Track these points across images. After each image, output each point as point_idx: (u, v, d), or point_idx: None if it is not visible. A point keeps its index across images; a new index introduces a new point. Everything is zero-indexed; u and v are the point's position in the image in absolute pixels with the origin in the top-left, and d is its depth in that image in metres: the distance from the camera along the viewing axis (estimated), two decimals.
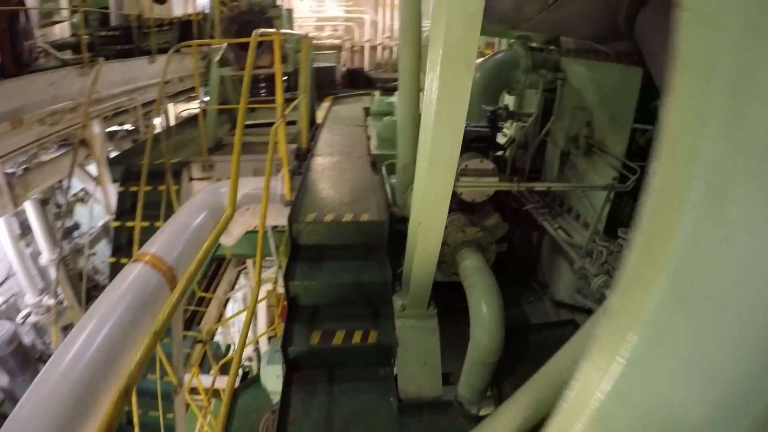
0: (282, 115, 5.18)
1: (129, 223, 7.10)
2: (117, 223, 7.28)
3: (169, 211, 6.92)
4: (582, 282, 4.56)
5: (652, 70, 3.37)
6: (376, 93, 11.01)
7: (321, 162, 7.16)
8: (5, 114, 6.71)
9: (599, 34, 4.36)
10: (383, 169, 6.49)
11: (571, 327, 5.01)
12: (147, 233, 6.45)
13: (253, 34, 4.89)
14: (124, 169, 7.67)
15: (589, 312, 4.84)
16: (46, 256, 10.87)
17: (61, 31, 12.34)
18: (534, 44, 6.17)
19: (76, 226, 13.41)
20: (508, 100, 6.91)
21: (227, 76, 8.83)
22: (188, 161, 8.00)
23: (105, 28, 13.18)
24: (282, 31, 5.71)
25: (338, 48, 20.07)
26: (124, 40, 12.07)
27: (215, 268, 15.97)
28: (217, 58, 8.25)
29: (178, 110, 17.08)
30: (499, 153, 6.02)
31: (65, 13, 12.29)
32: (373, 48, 20.38)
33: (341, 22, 20.30)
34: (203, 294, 13.05)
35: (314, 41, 20.15)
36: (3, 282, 11.52)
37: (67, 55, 12.00)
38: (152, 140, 6.89)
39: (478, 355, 3.69)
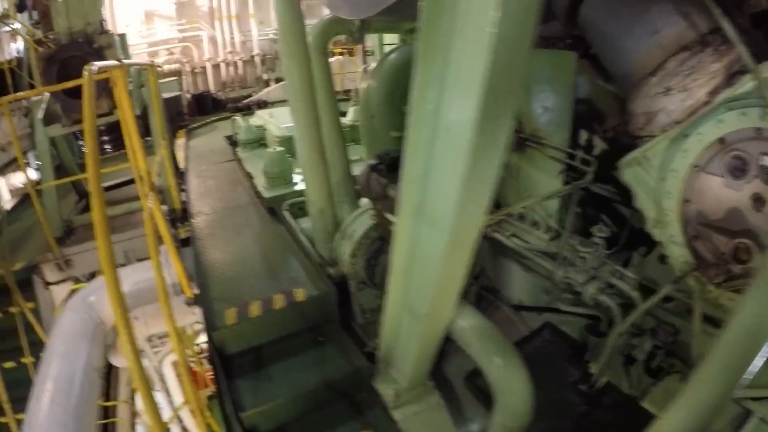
0: (148, 179, 3.93)
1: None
2: None
3: (32, 338, 5.67)
4: (547, 282, 4.17)
5: (602, 54, 3.29)
6: (237, 117, 9.87)
7: (205, 223, 6.02)
8: None
9: None
10: (286, 215, 5.55)
11: (548, 331, 4.42)
12: (15, 383, 5.66)
13: (85, 71, 3.39)
14: None
15: (557, 311, 4.38)
16: None
17: None
18: None
19: None
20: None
21: (59, 137, 7.31)
22: (37, 263, 6.40)
23: None
24: (123, 61, 4.45)
25: (178, 73, 18.49)
26: None
27: None
28: (41, 114, 6.65)
29: (11, 182, 15.01)
30: None
31: None
32: (216, 67, 18.88)
33: (176, 43, 18.67)
34: None
35: None
36: None
37: None
38: None
39: (513, 422, 3.08)
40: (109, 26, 18.68)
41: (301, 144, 4.29)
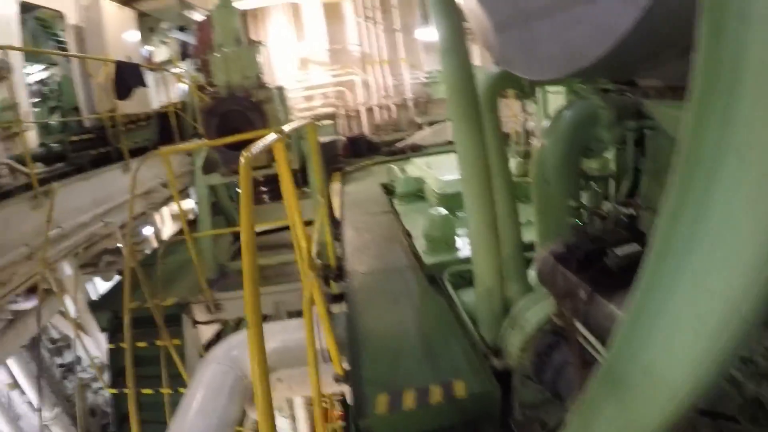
0: (308, 258, 3.59)
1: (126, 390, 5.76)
2: (114, 391, 6.06)
3: (173, 371, 5.75)
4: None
5: None
6: (393, 166, 9.59)
7: (361, 284, 5.74)
8: None
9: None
10: (448, 286, 5.05)
11: None
12: (149, 406, 5.87)
13: (242, 157, 2.79)
14: (110, 318, 6.33)
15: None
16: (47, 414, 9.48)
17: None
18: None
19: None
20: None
21: (218, 185, 7.52)
22: (187, 302, 6.61)
23: (74, 132, 12.01)
24: (282, 129, 4.23)
25: (333, 117, 18.91)
26: (100, 143, 10.89)
27: None
28: (200, 163, 6.90)
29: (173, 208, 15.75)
30: None
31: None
32: (370, 110, 19.18)
33: (331, 87, 19.21)
34: None
35: (306, 113, 19.06)
36: None
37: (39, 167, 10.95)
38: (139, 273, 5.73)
39: None
40: (267, 72, 19.62)
41: (471, 215, 3.79)
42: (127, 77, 10.61)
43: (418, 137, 17.01)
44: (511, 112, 15.57)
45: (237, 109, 6.36)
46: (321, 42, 19.06)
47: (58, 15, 13.69)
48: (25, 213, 6.68)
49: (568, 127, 4.15)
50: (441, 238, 5.64)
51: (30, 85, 15.45)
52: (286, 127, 4.41)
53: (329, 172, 13.37)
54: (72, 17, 13.83)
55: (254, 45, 6.82)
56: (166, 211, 15.54)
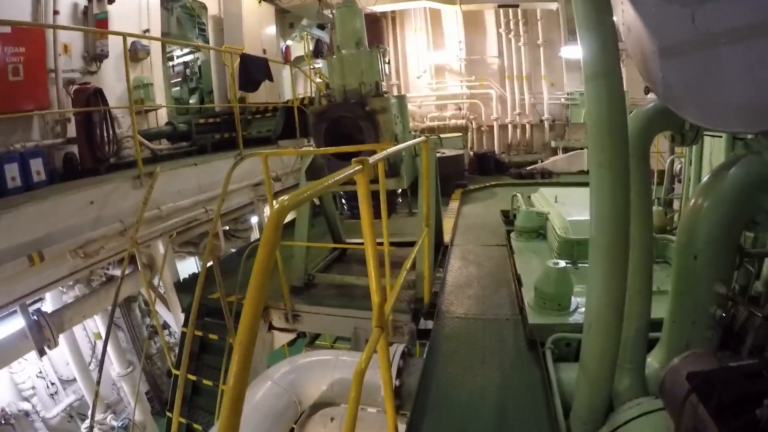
0: (380, 314, 2.92)
1: (191, 376, 6.23)
2: (177, 372, 5.89)
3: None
4: None
5: None
6: (518, 194, 8.70)
7: (451, 330, 5.06)
8: (23, 247, 5.29)
9: None
10: (548, 357, 4.24)
11: None
12: (207, 395, 6.20)
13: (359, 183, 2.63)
14: (191, 301, 6.09)
15: None
16: (117, 370, 10.20)
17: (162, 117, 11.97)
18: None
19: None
20: None
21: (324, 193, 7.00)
22: (266, 305, 6.24)
23: (203, 115, 12.82)
24: (388, 149, 3.65)
25: (464, 129, 18.24)
26: (225, 128, 10.90)
27: None
28: (305, 167, 6.43)
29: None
30: None
31: (160, 100, 11.64)
32: (503, 127, 18.22)
33: (465, 99, 18.53)
34: None
35: (436, 122, 18.52)
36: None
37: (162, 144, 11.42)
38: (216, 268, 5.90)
39: None
40: (398, 76, 19.30)
41: (594, 286, 2.98)
42: (253, 70, 10.52)
43: (550, 162, 16.01)
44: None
45: (348, 116, 5.89)
46: (458, 51, 18.47)
47: (202, 5, 14.55)
48: (126, 191, 6.87)
49: (732, 190, 3.19)
50: (553, 296, 4.74)
51: (173, 66, 16.73)
52: (393, 149, 3.87)
53: (451, 188, 12.75)
54: (213, 8, 14.60)
55: (376, 50, 6.24)
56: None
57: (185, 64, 16.72)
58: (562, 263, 4.80)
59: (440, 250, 7.39)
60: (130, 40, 10.16)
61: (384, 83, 6.43)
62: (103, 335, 9.69)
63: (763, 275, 4.41)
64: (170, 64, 16.85)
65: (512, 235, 7.47)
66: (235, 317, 5.95)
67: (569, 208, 7.00)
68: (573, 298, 4.84)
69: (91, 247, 6.12)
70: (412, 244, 5.90)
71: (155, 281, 7.72)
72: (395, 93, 18.92)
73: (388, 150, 3.49)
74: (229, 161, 9.12)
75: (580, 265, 5.90)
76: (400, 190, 6.92)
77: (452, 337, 4.87)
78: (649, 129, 3.43)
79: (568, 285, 4.76)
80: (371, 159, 2.62)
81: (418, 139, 5.14)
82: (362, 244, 2.68)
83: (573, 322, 4.59)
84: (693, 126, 3.49)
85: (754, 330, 3.13)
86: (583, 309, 4.80)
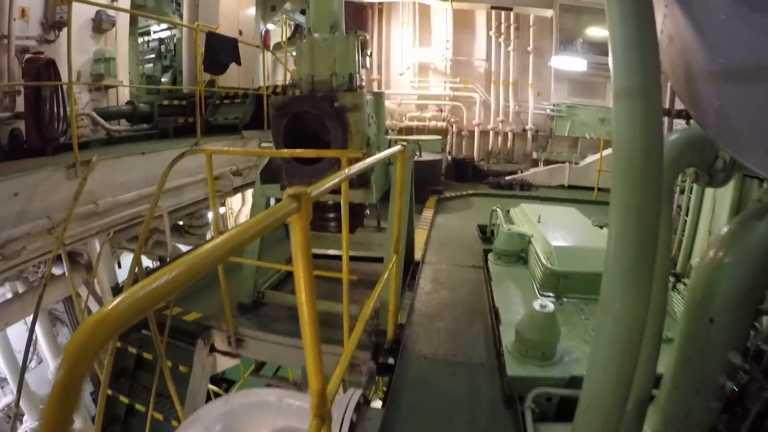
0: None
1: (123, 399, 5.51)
2: (109, 392, 5.18)
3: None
4: None
5: None
6: (497, 209, 8.05)
7: (416, 374, 4.39)
8: None
9: None
10: (528, 417, 3.59)
11: None
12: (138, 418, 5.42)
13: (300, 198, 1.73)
14: None
15: None
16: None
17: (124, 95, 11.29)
18: None
19: None
20: None
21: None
22: (208, 325, 5.56)
23: (169, 97, 12.20)
24: (351, 168, 2.86)
25: (443, 132, 17.57)
26: (191, 112, 10.14)
27: None
28: (261, 167, 5.65)
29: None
30: None
31: (123, 77, 10.85)
32: (484, 133, 17.55)
33: (447, 101, 17.85)
34: None
35: (416, 122, 17.85)
36: None
37: (121, 125, 10.76)
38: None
39: None
40: (380, 71, 18.58)
41: (602, 359, 2.32)
42: (219, 51, 9.72)
43: (530, 174, 15.48)
44: None
45: (310, 112, 4.98)
46: (445, 50, 17.79)
47: None
48: (58, 182, 6.03)
49: (762, 248, 2.59)
50: (537, 345, 4.04)
51: (148, 41, 16.32)
52: (371, 159, 3.15)
53: (426, 194, 12.14)
54: None
55: (353, 36, 5.36)
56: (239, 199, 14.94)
57: (160, 40, 16.06)
58: (550, 306, 4.11)
59: (410, 269, 6.69)
60: (93, 9, 9.45)
61: (362, 76, 5.51)
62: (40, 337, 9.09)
63: None
64: (146, 38, 16.38)
65: (490, 256, 6.75)
66: (180, 336, 5.41)
67: (554, 231, 6.39)
68: (558, 347, 4.22)
69: (11, 247, 5.37)
70: (377, 260, 5.25)
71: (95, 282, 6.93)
72: (375, 89, 18.25)
73: (347, 171, 2.76)
74: (182, 150, 8.41)
75: (565, 300, 5.29)
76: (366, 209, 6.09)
77: (417, 383, 4.19)
78: (677, 163, 2.81)
79: (555, 333, 4.11)
80: (315, 191, 1.83)
81: (394, 149, 4.32)
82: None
83: (558, 375, 3.95)
84: (727, 166, 2.88)
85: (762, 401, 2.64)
86: (569, 358, 4.20)
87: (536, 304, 4.13)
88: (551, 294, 5.36)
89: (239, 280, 5.69)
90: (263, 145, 9.92)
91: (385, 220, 6.27)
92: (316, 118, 4.99)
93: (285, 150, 4.89)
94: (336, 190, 4.90)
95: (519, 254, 6.55)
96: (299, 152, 4.72)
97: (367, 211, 5.98)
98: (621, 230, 2.16)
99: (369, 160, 3.19)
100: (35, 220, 5.61)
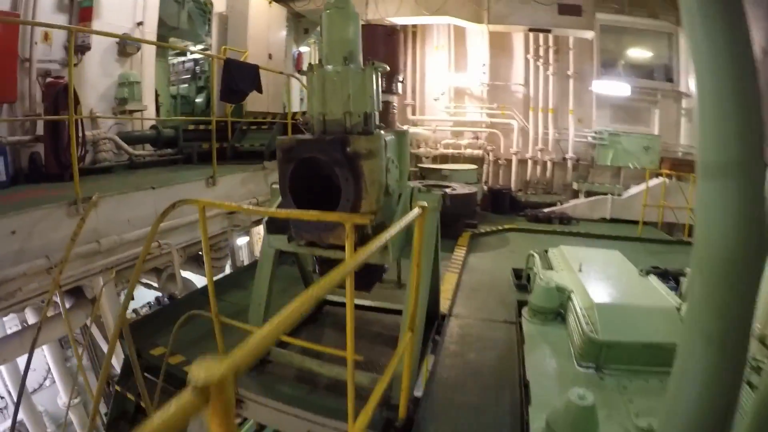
0: None
1: None
2: None
3: None
4: None
5: None
6: (534, 253, 7.29)
7: None
8: None
9: None
10: None
11: None
12: None
13: None
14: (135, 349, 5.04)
15: None
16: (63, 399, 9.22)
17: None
18: None
19: None
20: None
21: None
22: None
23: (195, 122, 12.28)
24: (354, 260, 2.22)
25: (479, 161, 16.88)
26: (217, 137, 9.91)
27: None
28: (266, 217, 5.04)
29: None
30: None
31: (148, 100, 10.76)
32: (522, 162, 16.75)
33: (484, 128, 17.13)
34: None
35: (451, 150, 17.23)
36: None
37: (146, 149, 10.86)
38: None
39: None
40: (414, 97, 18.02)
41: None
42: (238, 79, 9.26)
43: (570, 206, 14.72)
44: (688, 202, 12.75)
45: (318, 159, 4.25)
46: (481, 74, 17.17)
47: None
48: (59, 219, 5.78)
49: None
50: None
51: (183, 62, 16.75)
52: (374, 247, 2.48)
53: (459, 230, 11.47)
54: (220, 5, 13.69)
55: (371, 68, 4.64)
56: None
57: (195, 61, 16.28)
58: (590, 398, 3.40)
59: (434, 325, 5.98)
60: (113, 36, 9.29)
61: (377, 113, 4.71)
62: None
63: None
64: (180, 59, 16.64)
65: (524, 312, 6.03)
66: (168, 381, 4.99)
67: (596, 282, 5.68)
68: None
69: (6, 287, 5.13)
70: (398, 312, 4.67)
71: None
72: (409, 115, 17.74)
73: (350, 265, 2.16)
74: (197, 184, 7.97)
75: (606, 373, 4.57)
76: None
77: None
78: None
79: (593, 429, 3.40)
80: (238, 365, 1.16)
81: (411, 215, 3.58)
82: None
83: None
84: None
85: None
86: None
87: (573, 395, 3.42)
88: (591, 365, 4.63)
89: (243, 334, 5.08)
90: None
91: (406, 276, 5.56)
92: (325, 166, 4.32)
93: (282, 210, 4.24)
94: (337, 247, 4.37)
95: (557, 311, 5.83)
96: (297, 213, 4.16)
97: (386, 266, 5.31)
98: (697, 365, 1.54)
99: (374, 247, 2.54)
100: (33, 259, 5.39)
